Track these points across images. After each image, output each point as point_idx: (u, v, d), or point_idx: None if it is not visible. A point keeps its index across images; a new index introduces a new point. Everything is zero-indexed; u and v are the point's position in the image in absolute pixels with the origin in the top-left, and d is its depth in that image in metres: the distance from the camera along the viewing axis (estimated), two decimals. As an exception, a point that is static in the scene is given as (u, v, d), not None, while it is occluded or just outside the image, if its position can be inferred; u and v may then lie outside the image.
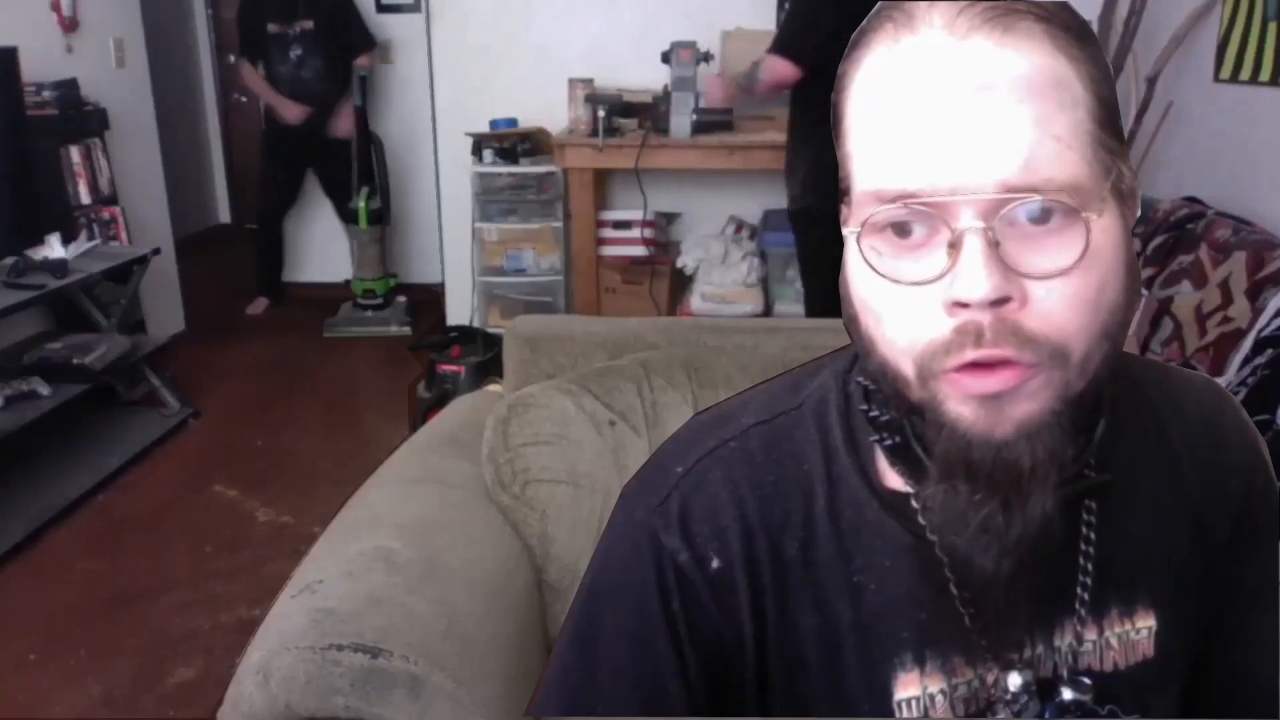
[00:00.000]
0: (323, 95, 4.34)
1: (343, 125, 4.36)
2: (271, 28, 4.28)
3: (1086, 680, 0.64)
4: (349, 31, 4.37)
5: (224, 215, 6.20)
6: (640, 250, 3.73)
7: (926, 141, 0.54)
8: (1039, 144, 0.53)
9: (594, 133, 3.36)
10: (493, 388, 1.75)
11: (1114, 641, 0.66)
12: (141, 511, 2.81)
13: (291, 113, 4.33)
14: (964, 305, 0.53)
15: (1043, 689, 0.64)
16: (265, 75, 4.37)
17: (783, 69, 2.68)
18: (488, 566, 1.23)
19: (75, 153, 3.37)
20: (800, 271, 3.05)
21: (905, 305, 0.56)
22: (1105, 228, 0.55)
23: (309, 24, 4.27)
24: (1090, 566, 0.64)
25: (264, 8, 4.28)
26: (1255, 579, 0.71)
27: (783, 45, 2.71)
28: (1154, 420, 0.70)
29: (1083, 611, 0.65)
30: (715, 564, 0.64)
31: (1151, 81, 3.32)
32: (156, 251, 3.36)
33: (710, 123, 3.40)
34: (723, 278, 3.61)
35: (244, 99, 4.49)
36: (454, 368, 3.15)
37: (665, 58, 3.27)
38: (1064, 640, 0.65)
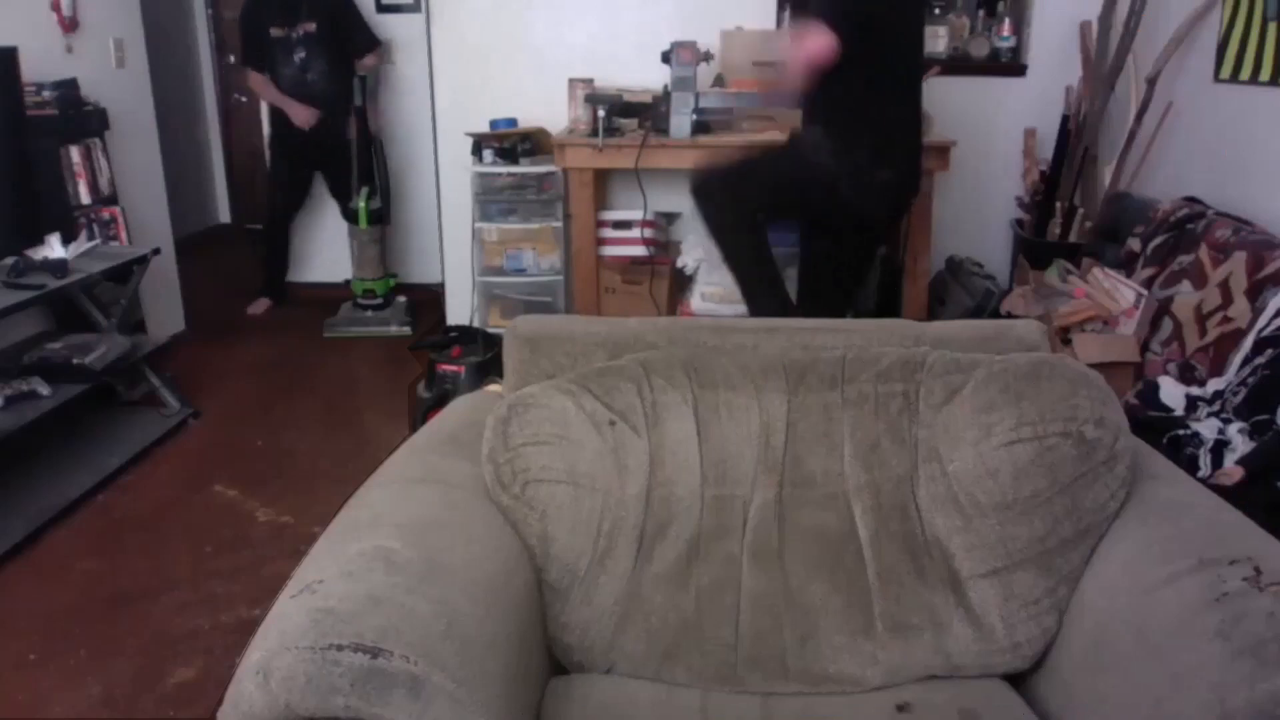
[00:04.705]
0: (329, 97, 4.33)
1: (356, 127, 4.36)
2: (274, 31, 4.28)
3: None
4: (352, 32, 4.37)
5: (224, 215, 6.20)
6: (640, 250, 3.73)
7: None
8: None
9: (594, 133, 3.36)
10: (493, 388, 1.75)
11: None
12: (141, 511, 2.81)
13: (303, 116, 4.34)
14: None
15: None
16: (270, 80, 4.37)
17: (827, 40, 2.46)
18: (488, 566, 1.23)
19: (75, 153, 3.36)
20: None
21: None
22: None
23: (311, 26, 4.27)
24: None
25: (265, 12, 4.28)
26: None
27: (832, 11, 2.47)
28: None
29: None
30: None
31: (1151, 81, 3.32)
32: (156, 251, 3.36)
33: (710, 123, 3.40)
34: (723, 278, 3.59)
35: (244, 99, 4.49)
36: (454, 368, 3.16)
37: (665, 58, 3.27)
38: None
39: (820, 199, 2.69)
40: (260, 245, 4.84)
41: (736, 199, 2.73)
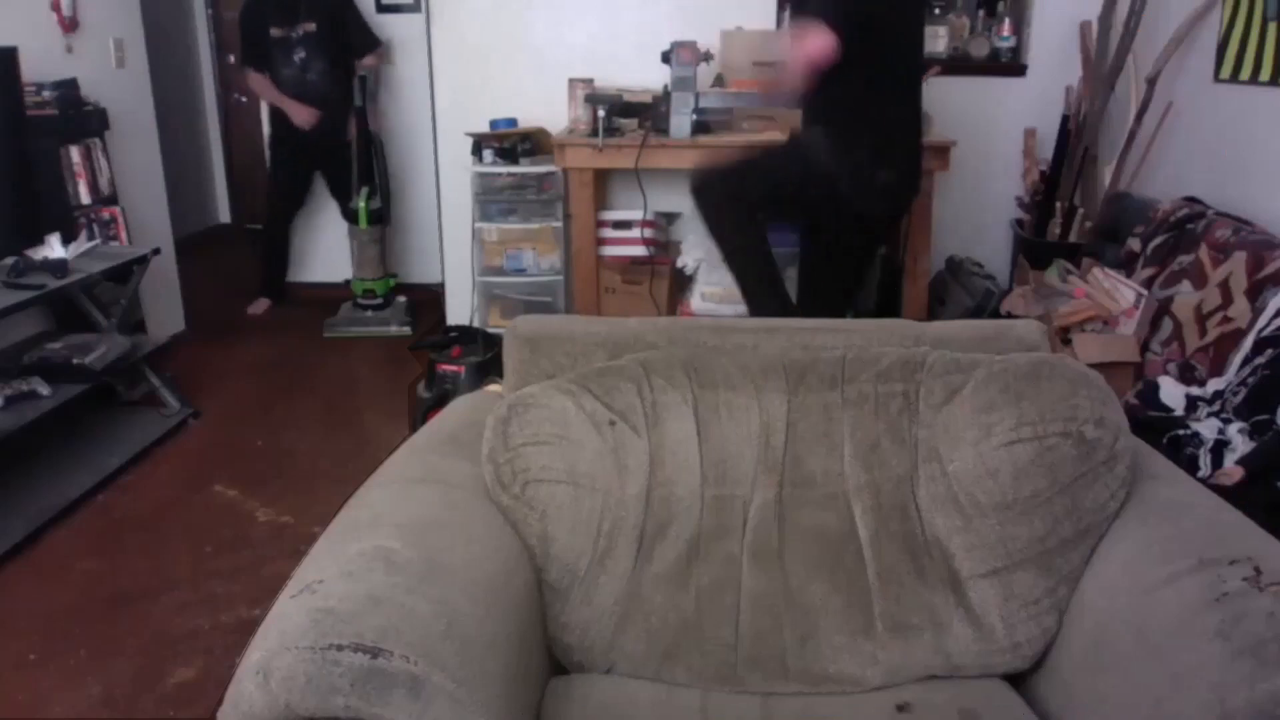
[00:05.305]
0: (328, 97, 4.33)
1: (355, 127, 4.35)
2: (274, 32, 4.28)
3: None
4: (351, 32, 4.37)
5: (224, 215, 6.20)
6: (640, 250, 3.73)
7: None
8: None
9: (594, 133, 3.36)
10: (493, 388, 1.75)
11: None
12: (141, 511, 2.81)
13: (303, 116, 4.33)
14: None
15: None
16: (271, 80, 4.37)
17: (827, 40, 2.45)
18: (488, 566, 1.23)
19: (75, 153, 3.36)
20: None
21: None
22: None
23: (311, 26, 4.27)
24: None
25: (265, 12, 4.28)
26: None
27: (833, 11, 2.47)
28: None
29: None
30: None
31: (1151, 81, 3.32)
32: (156, 251, 3.36)
33: (710, 123, 3.40)
34: (723, 278, 3.59)
35: (244, 99, 4.49)
36: (454, 368, 3.16)
37: (665, 58, 3.27)
38: None
39: (820, 198, 2.69)
40: (260, 245, 4.85)
41: (736, 197, 2.73)
